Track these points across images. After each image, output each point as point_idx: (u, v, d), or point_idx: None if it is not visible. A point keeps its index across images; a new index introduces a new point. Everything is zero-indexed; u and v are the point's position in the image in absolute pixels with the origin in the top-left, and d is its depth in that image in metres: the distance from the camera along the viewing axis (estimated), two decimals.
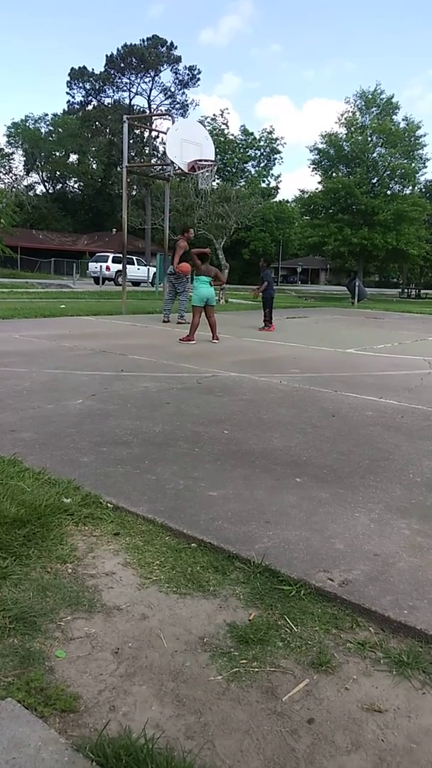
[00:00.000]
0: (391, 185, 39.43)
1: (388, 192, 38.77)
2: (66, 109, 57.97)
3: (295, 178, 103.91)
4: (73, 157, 63.19)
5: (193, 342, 9.82)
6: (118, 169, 49.13)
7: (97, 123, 55.80)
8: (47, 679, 1.78)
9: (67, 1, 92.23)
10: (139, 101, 53.19)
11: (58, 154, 62.25)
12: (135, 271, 34.74)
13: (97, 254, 38.36)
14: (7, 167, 57.34)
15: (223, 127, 48.80)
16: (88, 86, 54.17)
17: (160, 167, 19.07)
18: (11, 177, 58.76)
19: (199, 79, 53.52)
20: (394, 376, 7.46)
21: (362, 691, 1.82)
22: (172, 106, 52.40)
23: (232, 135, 50.40)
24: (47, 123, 61.36)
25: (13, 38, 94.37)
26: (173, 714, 1.68)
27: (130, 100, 52.86)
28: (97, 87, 53.72)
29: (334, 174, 39.81)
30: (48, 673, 1.81)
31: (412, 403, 5.81)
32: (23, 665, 1.82)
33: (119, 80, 52.64)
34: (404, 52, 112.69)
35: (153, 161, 40.20)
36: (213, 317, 10.15)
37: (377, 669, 1.93)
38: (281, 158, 53.92)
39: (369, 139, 38.65)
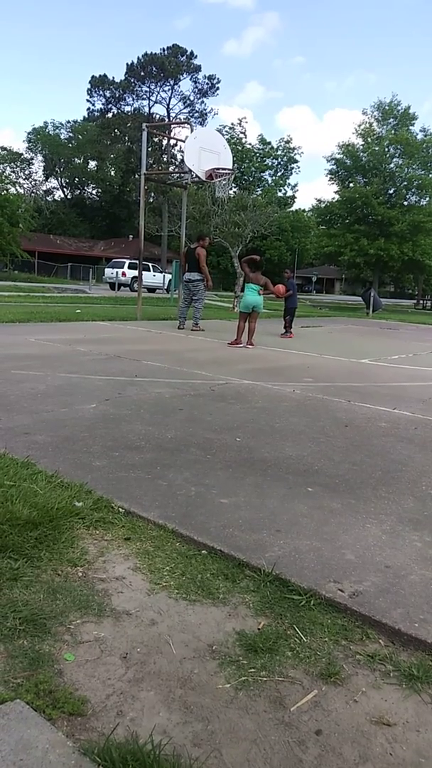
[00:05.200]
0: (408, 196, 39.36)
1: (405, 203, 38.69)
2: (86, 116, 58.70)
3: (314, 188, 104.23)
4: (92, 164, 63.77)
5: (241, 345, 10.32)
6: (136, 176, 49.63)
7: (116, 130, 56.39)
8: (56, 682, 1.78)
9: (93, 12, 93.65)
10: (158, 109, 53.80)
11: (77, 160, 62.82)
12: (151, 277, 34.95)
13: (114, 260, 38.67)
14: (26, 172, 57.96)
15: (241, 136, 49.06)
16: (108, 94, 54.90)
17: (177, 175, 19.21)
18: (30, 182, 59.37)
19: (218, 89, 54.05)
20: (408, 388, 7.42)
21: (371, 703, 1.81)
22: (190, 114, 52.93)
23: (250, 144, 50.63)
24: (67, 129, 62.07)
25: (37, 46, 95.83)
26: (180, 721, 1.68)
27: (150, 108, 53.48)
28: (117, 95, 54.42)
29: (351, 184, 39.80)
30: (57, 676, 1.81)
31: (426, 415, 5.77)
32: (32, 667, 1.83)
33: (139, 88, 53.31)
34: (425, 65, 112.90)
35: (171, 169, 40.47)
36: (254, 324, 10.54)
37: (387, 682, 1.91)
38: (298, 168, 54.04)
39: (386, 149, 38.62)
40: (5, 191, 32.64)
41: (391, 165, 38.78)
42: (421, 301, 54.65)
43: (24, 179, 57.02)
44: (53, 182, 64.55)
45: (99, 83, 55.09)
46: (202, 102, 53.95)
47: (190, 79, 53.10)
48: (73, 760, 1.47)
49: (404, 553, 2.74)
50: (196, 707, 1.73)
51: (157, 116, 52.64)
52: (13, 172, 47.70)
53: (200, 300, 13.02)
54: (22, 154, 56.30)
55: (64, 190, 65.77)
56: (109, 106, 56.02)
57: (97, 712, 1.68)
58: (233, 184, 28.66)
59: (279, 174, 52.51)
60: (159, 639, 2.04)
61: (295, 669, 1.94)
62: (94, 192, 66.23)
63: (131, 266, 34.15)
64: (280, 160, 52.01)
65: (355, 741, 1.65)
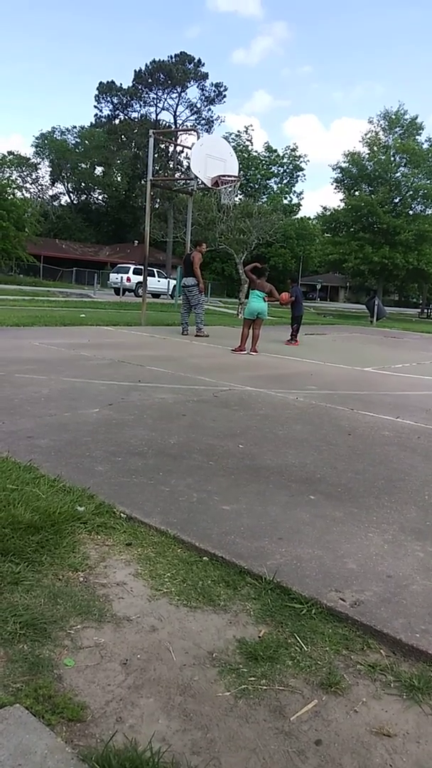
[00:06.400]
0: (413, 205, 39.42)
1: (411, 212, 38.74)
2: (93, 122, 59.00)
3: (320, 196, 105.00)
4: (99, 169, 64.10)
5: (244, 352, 10.36)
6: (143, 182, 49.84)
7: (123, 136, 56.62)
8: (55, 687, 1.78)
9: (104, 22, 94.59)
10: (165, 116, 53.96)
11: (83, 165, 63.14)
12: (155, 283, 35.01)
13: (119, 265, 38.73)
14: (33, 177, 58.31)
15: (248, 143, 49.28)
16: (115, 100, 55.08)
17: (183, 181, 19.26)
18: (37, 187, 59.72)
19: (225, 96, 54.07)
20: (412, 397, 7.41)
21: (371, 714, 1.80)
22: (197, 121, 53.04)
23: (256, 152, 50.84)
24: (74, 135, 62.42)
25: (47, 54, 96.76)
26: (180, 728, 1.67)
27: (157, 114, 53.65)
28: (125, 101, 54.59)
29: (356, 192, 39.91)
30: (56, 681, 1.81)
31: (429, 424, 5.76)
32: (32, 672, 1.82)
33: (146, 95, 53.45)
34: None
35: (177, 175, 40.61)
36: (258, 330, 10.59)
37: (387, 692, 1.90)
38: (304, 175, 54.22)
39: (392, 158, 38.73)
40: (12, 196, 32.80)
41: (397, 174, 38.89)
42: (426, 310, 54.52)
43: (31, 184, 57.45)
44: (60, 187, 65.00)
45: (107, 90, 55.34)
46: (209, 109, 54.10)
47: (198, 87, 53.28)
48: (72, 766, 1.47)
49: (406, 563, 2.73)
50: (195, 715, 1.73)
51: (164, 123, 52.84)
52: (20, 176, 47.99)
53: (199, 305, 13.02)
54: (29, 158, 56.72)
55: (71, 195, 66.10)
56: (117, 112, 56.21)
57: (96, 718, 1.68)
58: (239, 191, 28.75)
59: (285, 182, 52.75)
60: (159, 645, 2.04)
61: (296, 678, 1.93)
62: (100, 197, 66.55)
63: (136, 271, 34.23)
64: (285, 167, 52.27)
65: (355, 752, 1.65)
